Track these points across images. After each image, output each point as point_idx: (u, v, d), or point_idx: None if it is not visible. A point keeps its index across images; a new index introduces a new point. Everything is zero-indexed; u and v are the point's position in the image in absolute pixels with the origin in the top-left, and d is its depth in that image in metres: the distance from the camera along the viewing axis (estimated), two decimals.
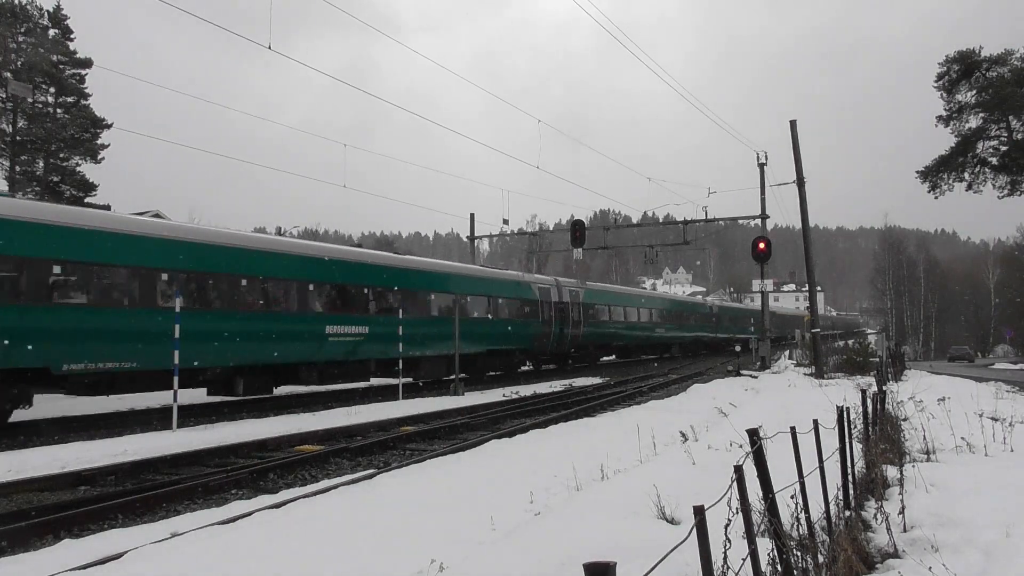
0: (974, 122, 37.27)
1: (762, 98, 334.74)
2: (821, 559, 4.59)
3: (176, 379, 13.87)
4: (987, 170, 37.35)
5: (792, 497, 4.74)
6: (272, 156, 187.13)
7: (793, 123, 30.75)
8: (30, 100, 32.72)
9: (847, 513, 6.12)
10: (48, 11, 35.71)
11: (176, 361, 13.79)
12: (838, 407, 6.80)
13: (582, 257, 38.43)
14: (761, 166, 32.95)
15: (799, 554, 4.32)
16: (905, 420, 11.73)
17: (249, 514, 7.04)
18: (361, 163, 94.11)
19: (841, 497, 6.17)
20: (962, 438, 9.91)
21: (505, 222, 57.84)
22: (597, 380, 28.19)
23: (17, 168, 34.48)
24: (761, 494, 3.97)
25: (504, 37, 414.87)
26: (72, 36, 36.54)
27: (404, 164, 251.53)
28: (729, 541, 2.95)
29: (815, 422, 5.74)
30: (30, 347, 12.88)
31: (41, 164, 35.61)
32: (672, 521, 6.30)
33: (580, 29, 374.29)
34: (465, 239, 40.86)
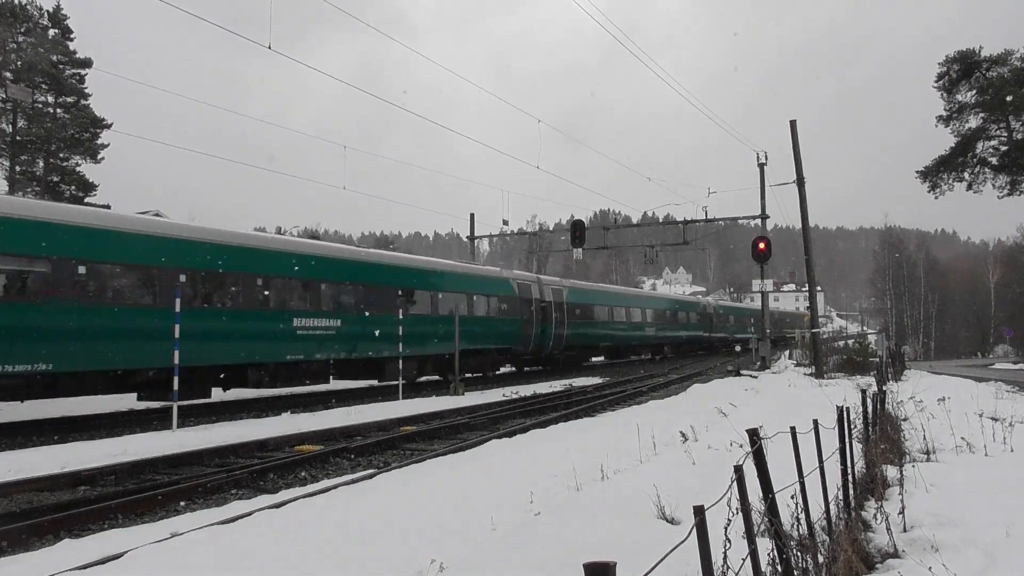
0: (974, 122, 37.29)
1: (762, 99, 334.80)
2: (821, 559, 4.59)
3: (176, 379, 13.87)
4: (987, 170, 37.33)
5: (792, 497, 4.74)
6: (275, 157, 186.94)
7: (793, 123, 30.76)
8: (30, 101, 32.73)
9: (847, 513, 6.11)
10: (48, 11, 35.75)
11: (176, 361, 13.81)
12: (838, 407, 6.80)
13: (582, 257, 38.43)
14: (761, 166, 32.93)
15: (799, 554, 4.32)
16: (905, 420, 11.73)
17: (249, 514, 7.03)
18: (363, 164, 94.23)
19: (841, 497, 6.16)
20: (962, 438, 9.92)
21: (505, 222, 57.54)
22: (597, 380, 28.25)
23: (17, 168, 34.50)
24: (761, 494, 3.97)
25: (513, 38, 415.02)
26: (72, 36, 36.58)
27: (407, 165, 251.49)
28: (729, 541, 2.95)
29: (815, 422, 5.74)
30: None
31: (41, 164, 35.64)
32: (672, 521, 6.29)
33: (585, 31, 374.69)
34: (465, 239, 40.86)
